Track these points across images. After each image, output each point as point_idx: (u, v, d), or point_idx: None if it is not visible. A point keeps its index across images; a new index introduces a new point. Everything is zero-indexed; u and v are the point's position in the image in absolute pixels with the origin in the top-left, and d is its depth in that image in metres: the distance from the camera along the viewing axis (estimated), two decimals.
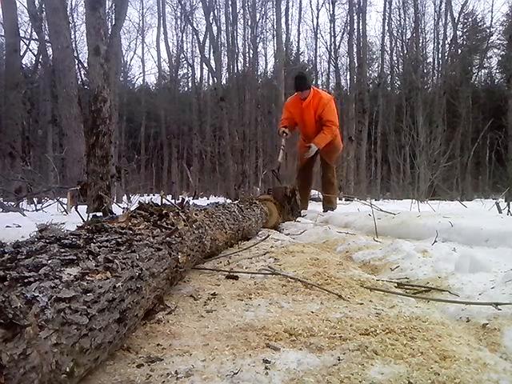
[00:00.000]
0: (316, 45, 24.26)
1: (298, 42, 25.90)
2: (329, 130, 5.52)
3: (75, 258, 0.79)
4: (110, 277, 0.84)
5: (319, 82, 25.29)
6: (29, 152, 14.57)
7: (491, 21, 23.79)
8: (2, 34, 13.22)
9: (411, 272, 1.76)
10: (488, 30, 24.09)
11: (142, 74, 32.98)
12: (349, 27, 18.66)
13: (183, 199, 1.94)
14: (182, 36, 25.95)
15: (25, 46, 15.36)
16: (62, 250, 0.81)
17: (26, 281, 0.63)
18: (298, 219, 4.59)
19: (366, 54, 18.61)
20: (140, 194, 11.92)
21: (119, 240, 1.04)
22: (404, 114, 19.72)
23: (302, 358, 0.90)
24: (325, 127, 5.53)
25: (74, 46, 16.42)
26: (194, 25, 22.50)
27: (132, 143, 23.84)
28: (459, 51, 23.43)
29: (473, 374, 0.81)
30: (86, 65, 13.02)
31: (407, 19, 23.97)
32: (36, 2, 13.37)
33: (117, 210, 4.24)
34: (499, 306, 1.16)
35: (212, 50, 18.82)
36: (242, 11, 21.18)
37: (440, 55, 23.98)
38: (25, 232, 2.18)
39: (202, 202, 7.32)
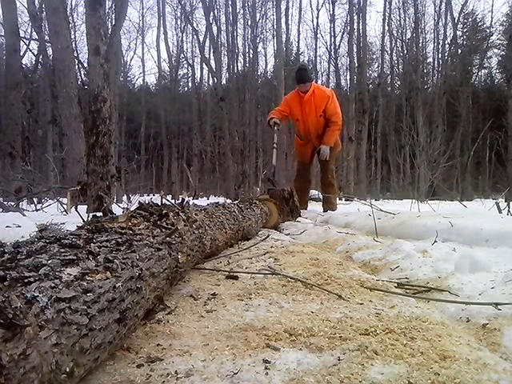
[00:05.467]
0: (316, 45, 24.34)
1: (298, 42, 25.99)
2: (335, 125, 5.46)
3: (75, 258, 0.79)
4: (110, 277, 0.84)
5: (319, 82, 25.31)
6: (29, 152, 14.54)
7: (491, 21, 23.86)
8: (2, 34, 13.23)
9: (411, 272, 1.76)
10: (488, 30, 24.14)
11: (142, 74, 33.10)
12: (349, 27, 18.69)
13: (183, 199, 1.94)
14: (182, 36, 26.03)
15: (25, 46, 15.37)
16: (62, 250, 0.81)
17: (26, 281, 0.62)
18: (298, 219, 4.59)
19: (366, 54, 18.64)
20: (140, 194, 11.91)
21: (119, 240, 1.04)
22: (404, 114, 19.77)
23: (302, 358, 0.90)
24: (331, 124, 5.45)
25: (74, 46, 16.45)
26: (194, 25, 22.56)
27: (132, 143, 23.85)
28: (459, 51, 23.45)
29: (473, 373, 0.81)
30: (86, 65, 13.05)
31: (407, 19, 24.04)
32: (36, 2, 13.39)
33: (117, 210, 4.23)
34: (499, 306, 1.16)
35: (212, 50, 18.85)
36: (242, 11, 21.24)
37: (440, 55, 24.03)
38: (25, 232, 2.18)
39: (202, 202, 7.32)
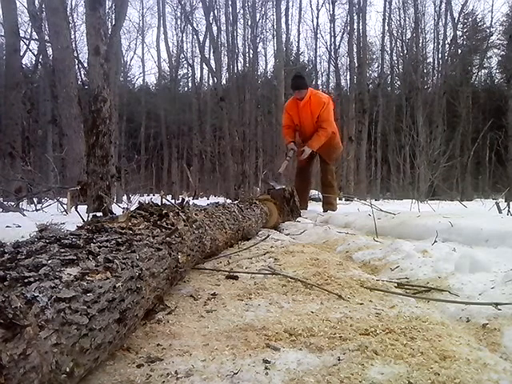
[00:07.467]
0: (316, 45, 24.33)
1: (298, 42, 26.01)
2: (323, 131, 5.50)
3: (75, 258, 0.79)
4: (110, 277, 0.84)
5: (319, 82, 25.33)
6: (29, 152, 14.53)
7: (491, 21, 23.85)
8: (2, 33, 13.23)
9: (411, 272, 1.76)
10: (488, 30, 24.13)
11: (142, 74, 33.00)
12: (349, 27, 18.69)
13: (183, 199, 1.94)
14: (182, 36, 26.04)
15: (25, 46, 15.36)
16: (62, 250, 0.81)
17: (26, 281, 0.62)
18: (298, 219, 4.59)
19: (366, 54, 18.65)
20: (140, 194, 11.91)
21: (119, 240, 1.04)
22: (404, 114, 19.76)
23: (302, 358, 0.90)
24: (320, 129, 5.50)
25: (74, 46, 16.44)
26: (194, 25, 22.55)
27: (132, 143, 23.85)
28: (459, 51, 23.44)
29: (473, 373, 0.81)
30: (86, 65, 13.05)
31: (407, 19, 24.03)
32: (36, 2, 13.38)
33: (117, 210, 4.23)
34: (499, 306, 1.16)
35: (212, 50, 18.85)
36: (241, 11, 21.21)
37: (440, 55, 24.01)
38: (25, 232, 2.18)
39: (202, 202, 7.31)
